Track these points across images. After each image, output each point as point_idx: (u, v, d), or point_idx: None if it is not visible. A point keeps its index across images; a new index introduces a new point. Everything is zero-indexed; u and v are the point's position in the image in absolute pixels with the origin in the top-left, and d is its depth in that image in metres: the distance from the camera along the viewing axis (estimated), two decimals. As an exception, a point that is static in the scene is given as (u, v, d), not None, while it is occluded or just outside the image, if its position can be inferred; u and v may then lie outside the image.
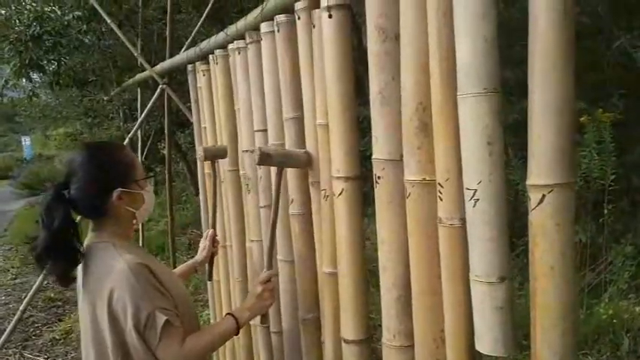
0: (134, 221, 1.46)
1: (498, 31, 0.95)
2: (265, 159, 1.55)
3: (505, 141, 1.00)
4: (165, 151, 4.27)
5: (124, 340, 1.32)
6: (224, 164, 2.18)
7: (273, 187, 1.63)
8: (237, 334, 1.48)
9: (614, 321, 3.35)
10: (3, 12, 4.66)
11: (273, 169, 1.76)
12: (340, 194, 1.40)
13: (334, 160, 1.41)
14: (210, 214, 2.07)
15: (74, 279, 1.44)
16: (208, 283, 2.68)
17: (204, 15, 3.26)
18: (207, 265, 1.99)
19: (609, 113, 3.46)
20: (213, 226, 1.99)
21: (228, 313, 1.52)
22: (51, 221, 1.35)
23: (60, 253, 1.36)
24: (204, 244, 1.95)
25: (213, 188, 2.06)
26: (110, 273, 1.33)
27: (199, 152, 2.07)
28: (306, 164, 1.59)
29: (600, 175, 3.34)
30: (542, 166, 0.88)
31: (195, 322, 1.51)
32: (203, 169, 2.58)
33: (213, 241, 1.96)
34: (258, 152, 1.55)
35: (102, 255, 1.38)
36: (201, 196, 2.66)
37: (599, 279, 3.73)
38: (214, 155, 2.06)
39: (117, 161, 1.42)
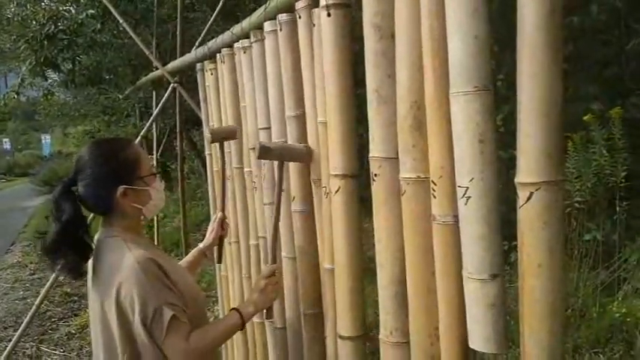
0: (142, 217, 1.47)
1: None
2: (265, 153, 1.56)
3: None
4: (178, 149, 4.32)
5: (132, 334, 1.33)
6: (233, 162, 2.20)
7: (276, 182, 1.64)
8: (242, 328, 1.50)
9: (628, 319, 3.31)
10: (20, 12, 4.75)
11: (278, 167, 1.78)
12: (337, 191, 1.42)
13: (332, 157, 1.42)
14: (219, 198, 2.01)
15: (85, 272, 1.45)
16: (217, 279, 2.72)
17: (215, 14, 3.29)
18: (216, 248, 1.93)
19: (628, 110, 3.42)
20: (222, 209, 1.95)
21: (232, 309, 1.52)
22: (60, 215, 1.38)
23: (69, 247, 1.38)
24: (212, 227, 1.91)
25: (222, 172, 2.01)
26: (119, 267, 1.34)
27: (206, 134, 1.98)
28: (306, 158, 1.59)
29: (612, 172, 3.30)
30: (530, 165, 0.88)
31: (204, 318, 1.52)
32: (212, 166, 2.61)
33: (222, 224, 1.91)
34: (257, 146, 1.56)
35: (111, 250, 1.40)
36: (210, 194, 2.69)
37: (613, 277, 3.68)
38: (223, 137, 2.00)
39: (121, 158, 1.42)
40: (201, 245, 1.89)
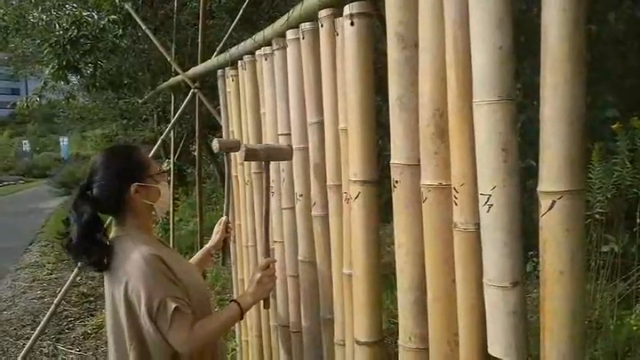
0: (152, 213, 1.59)
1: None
2: (251, 155, 1.70)
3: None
4: (196, 153, 4.36)
5: (139, 325, 1.44)
6: (252, 167, 2.23)
7: (264, 180, 1.78)
8: (241, 318, 1.62)
9: (646, 333, 3.27)
10: (44, 17, 4.85)
11: (297, 173, 1.80)
12: (357, 197, 1.43)
13: (351, 164, 1.44)
14: (225, 203, 2.19)
15: (108, 264, 1.53)
16: (234, 283, 2.74)
17: (235, 22, 3.33)
18: (221, 250, 2.09)
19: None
20: (227, 214, 2.11)
21: (232, 300, 1.64)
22: (79, 217, 1.49)
23: (91, 245, 1.50)
24: (217, 229, 2.05)
25: (227, 178, 2.16)
26: (127, 264, 1.46)
27: (214, 143, 2.20)
28: (289, 157, 1.75)
29: (633, 184, 3.26)
30: (552, 174, 0.89)
31: (207, 309, 1.62)
32: (230, 171, 2.63)
33: (227, 228, 2.05)
34: (243, 149, 1.67)
35: (122, 248, 1.51)
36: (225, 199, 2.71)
37: (631, 290, 3.64)
38: (227, 147, 2.25)
39: (132, 159, 1.57)
40: (205, 247, 2.04)
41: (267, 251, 1.76)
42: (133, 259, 1.44)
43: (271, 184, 2.03)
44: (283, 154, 1.76)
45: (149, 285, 1.41)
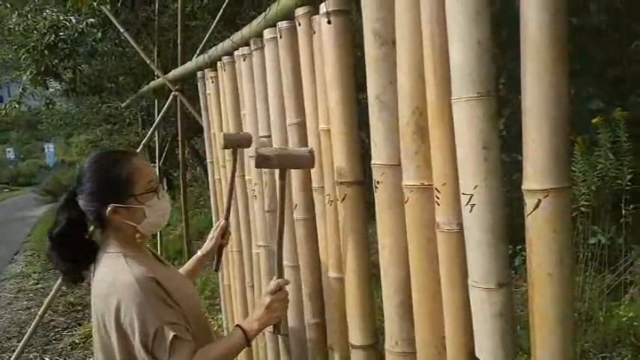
0: (137, 235, 1.40)
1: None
2: (263, 161, 1.46)
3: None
4: (180, 157, 4.32)
5: (133, 355, 1.29)
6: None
7: (277, 191, 1.51)
8: (248, 346, 1.41)
9: (635, 323, 3.28)
10: (21, 22, 4.77)
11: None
12: (343, 199, 1.40)
13: (337, 165, 1.41)
14: (225, 205, 1.98)
15: (82, 279, 1.41)
16: (220, 289, 2.71)
17: (215, 22, 3.28)
18: (215, 255, 1.90)
19: (629, 111, 3.39)
20: (227, 218, 1.92)
21: (237, 325, 1.44)
22: (57, 223, 1.38)
23: (64, 253, 1.38)
24: (212, 234, 1.88)
25: (231, 178, 1.97)
26: (117, 285, 1.31)
27: (220, 140, 1.93)
28: (310, 164, 1.46)
29: (617, 175, 3.27)
30: (537, 171, 0.87)
31: (204, 330, 1.47)
32: (214, 174, 2.60)
33: (224, 232, 1.88)
34: (255, 155, 1.46)
35: (109, 265, 1.36)
36: (212, 202, 2.68)
37: (619, 280, 3.65)
38: (237, 144, 1.97)
39: (111, 176, 1.37)
40: (199, 253, 1.86)
41: (280, 271, 1.48)
42: (125, 282, 1.29)
43: (253, 187, 2.00)
44: (301, 161, 1.47)
45: (144, 312, 1.26)
